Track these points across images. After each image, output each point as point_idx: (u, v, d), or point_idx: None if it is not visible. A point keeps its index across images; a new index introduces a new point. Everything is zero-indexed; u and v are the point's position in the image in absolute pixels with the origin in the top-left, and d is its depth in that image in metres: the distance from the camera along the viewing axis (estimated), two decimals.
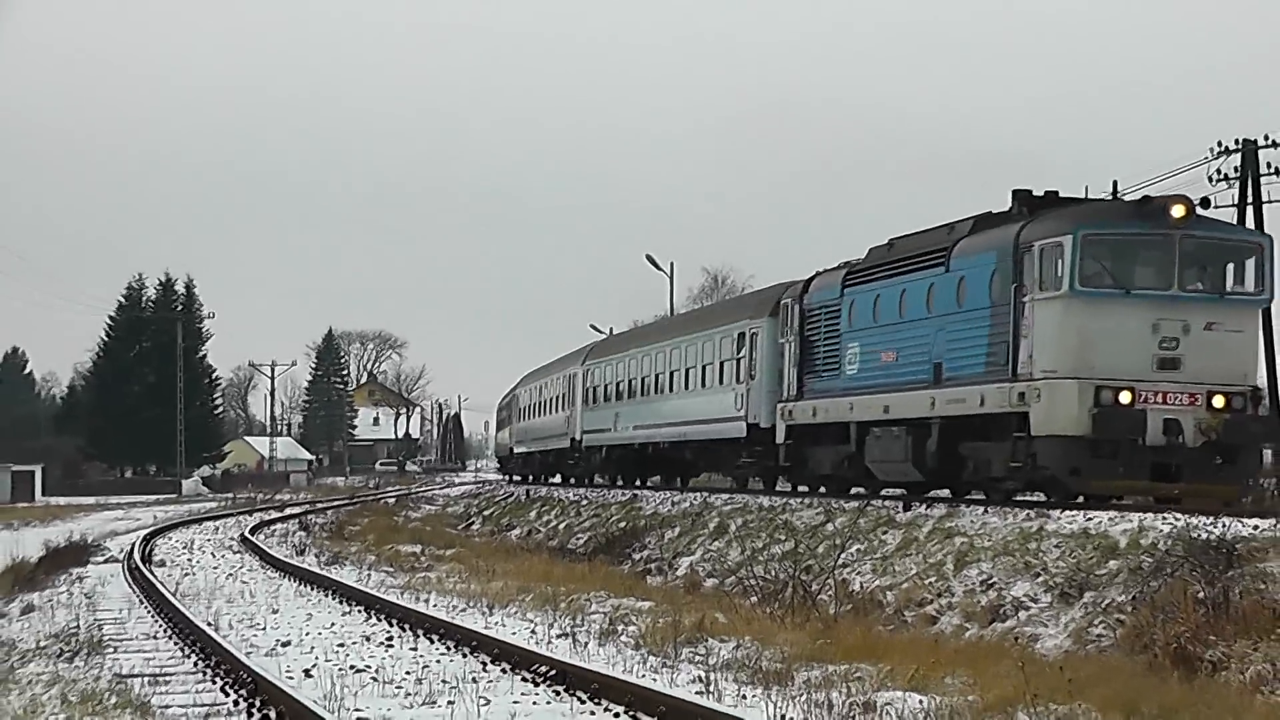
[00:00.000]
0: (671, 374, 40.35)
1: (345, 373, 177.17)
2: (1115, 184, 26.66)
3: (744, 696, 13.38)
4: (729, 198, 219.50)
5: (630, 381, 43.78)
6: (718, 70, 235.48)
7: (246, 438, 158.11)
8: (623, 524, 34.37)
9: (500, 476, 79.97)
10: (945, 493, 26.77)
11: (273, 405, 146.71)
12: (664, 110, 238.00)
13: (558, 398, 53.69)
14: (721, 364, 36.31)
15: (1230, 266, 23.27)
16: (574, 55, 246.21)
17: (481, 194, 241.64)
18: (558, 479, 55.04)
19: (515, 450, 63.90)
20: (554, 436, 54.11)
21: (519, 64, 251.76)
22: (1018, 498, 23.90)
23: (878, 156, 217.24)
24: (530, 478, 60.83)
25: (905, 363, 26.66)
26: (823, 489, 31.18)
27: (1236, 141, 39.36)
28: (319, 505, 65.71)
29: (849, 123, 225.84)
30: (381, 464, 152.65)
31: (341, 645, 17.37)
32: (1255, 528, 17.17)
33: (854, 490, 29.57)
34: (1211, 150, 39.06)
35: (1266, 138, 39.17)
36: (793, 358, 31.20)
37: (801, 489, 32.71)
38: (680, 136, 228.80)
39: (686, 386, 38.88)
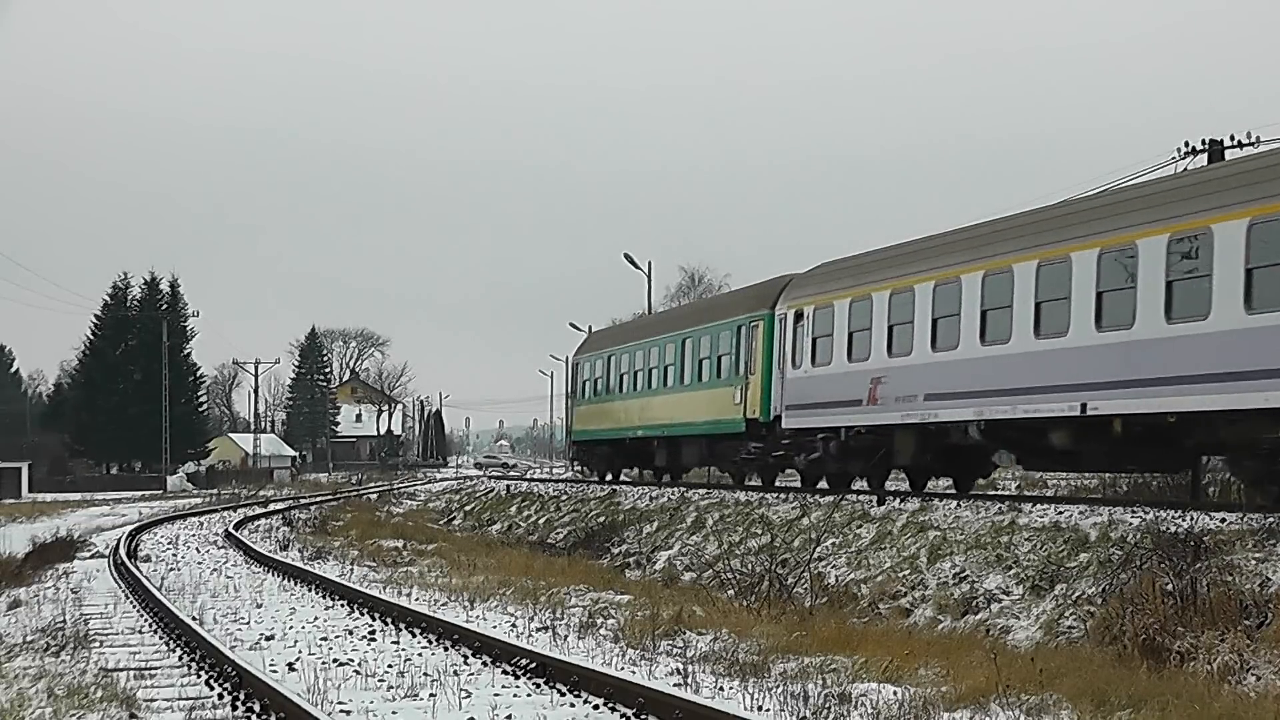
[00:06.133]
0: None
1: (328, 370, 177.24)
2: None
3: (721, 688, 13.58)
4: (708, 194, 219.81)
5: None
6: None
7: (231, 434, 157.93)
8: (602, 519, 34.47)
9: (587, 475, 52.38)
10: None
11: (257, 402, 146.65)
12: (645, 110, 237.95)
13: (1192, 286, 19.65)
14: None
15: None
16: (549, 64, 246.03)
17: (462, 194, 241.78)
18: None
19: (799, 424, 30.62)
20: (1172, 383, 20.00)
21: (498, 65, 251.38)
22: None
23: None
24: (851, 477, 30.34)
25: None
26: None
27: (1203, 142, 39.61)
28: (302, 501, 65.78)
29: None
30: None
31: (325, 639, 17.55)
32: (1222, 520, 17.33)
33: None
34: (1179, 150, 39.31)
35: (1232, 138, 39.43)
36: None
37: None
38: (659, 134, 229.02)
39: None
